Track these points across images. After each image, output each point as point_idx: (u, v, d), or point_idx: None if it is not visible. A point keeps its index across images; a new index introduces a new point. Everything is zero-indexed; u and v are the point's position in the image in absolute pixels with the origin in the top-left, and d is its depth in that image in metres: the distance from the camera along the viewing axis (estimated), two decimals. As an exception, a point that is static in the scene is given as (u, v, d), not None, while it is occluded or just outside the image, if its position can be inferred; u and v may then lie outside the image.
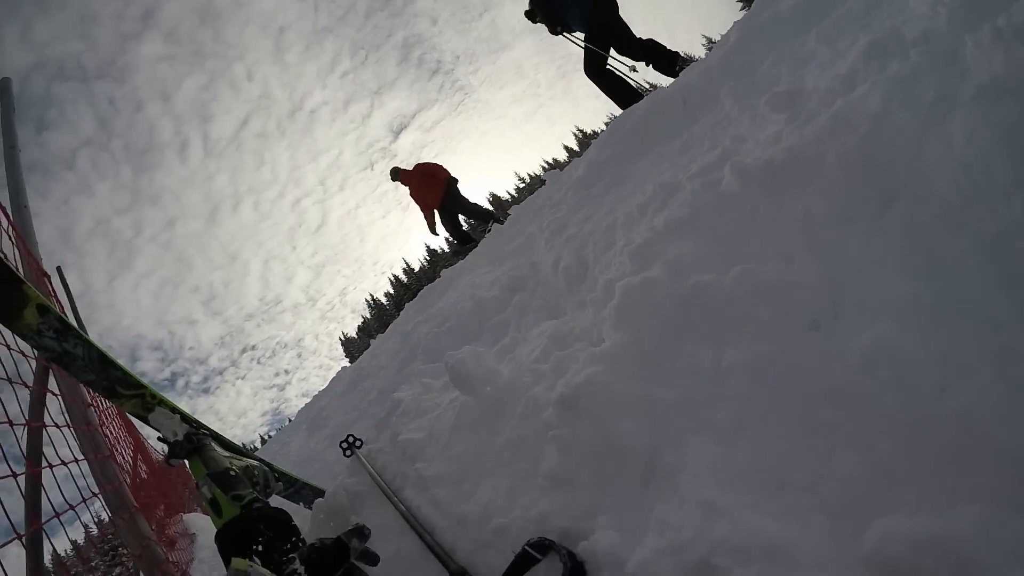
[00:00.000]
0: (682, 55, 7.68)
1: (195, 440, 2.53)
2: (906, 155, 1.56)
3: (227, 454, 2.54)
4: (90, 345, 2.56)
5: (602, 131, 6.58)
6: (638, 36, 7.89)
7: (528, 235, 5.15)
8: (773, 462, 1.36)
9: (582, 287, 3.07)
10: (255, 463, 2.66)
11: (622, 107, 7.70)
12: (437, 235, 13.06)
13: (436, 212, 12.51)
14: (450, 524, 2.14)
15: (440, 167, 12.50)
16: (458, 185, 12.47)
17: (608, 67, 8.16)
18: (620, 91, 8.07)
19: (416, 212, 12.69)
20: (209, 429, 2.81)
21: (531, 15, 8.84)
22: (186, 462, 2.53)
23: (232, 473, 2.30)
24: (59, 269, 4.02)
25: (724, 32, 5.65)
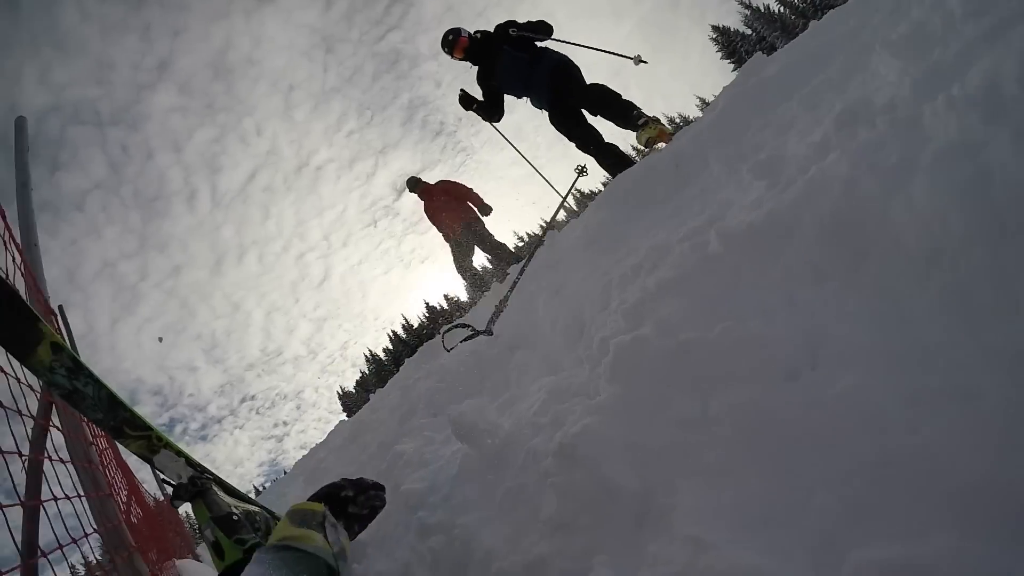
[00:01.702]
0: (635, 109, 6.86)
1: (199, 483, 2.58)
2: (874, 216, 1.70)
3: (230, 499, 2.61)
4: (100, 385, 2.57)
5: (599, 192, 6.68)
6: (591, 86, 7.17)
7: (528, 293, 5.25)
8: (757, 501, 1.47)
9: (579, 344, 3.16)
10: (256, 509, 2.69)
11: (616, 174, 6.78)
12: (465, 273, 11.07)
13: (451, 245, 10.62)
14: (452, 570, 2.22)
15: (470, 192, 10.77)
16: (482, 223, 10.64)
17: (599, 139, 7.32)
18: (617, 160, 7.22)
19: (426, 238, 11.54)
20: (212, 473, 2.80)
21: (466, 101, 7.93)
22: (188, 505, 2.57)
23: (235, 518, 2.36)
24: (60, 308, 4.08)
25: (716, 94, 5.79)
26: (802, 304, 1.79)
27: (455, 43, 7.73)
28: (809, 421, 1.51)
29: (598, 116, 7.17)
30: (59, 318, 4.51)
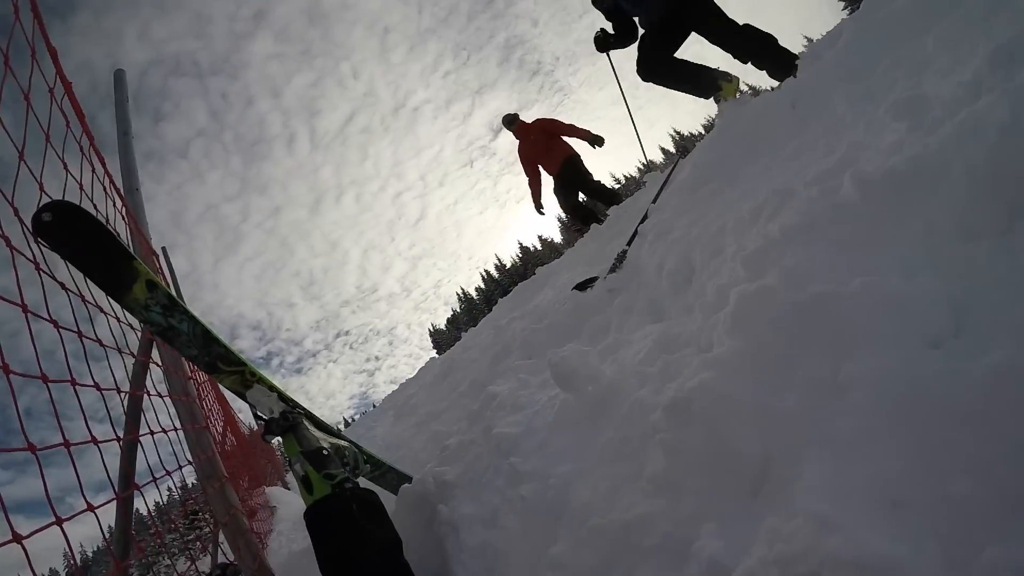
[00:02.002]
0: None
1: (290, 418, 2.64)
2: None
3: (320, 434, 2.66)
4: (195, 321, 2.64)
5: (701, 134, 6.36)
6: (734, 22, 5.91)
7: (626, 236, 5.09)
8: (890, 480, 1.31)
9: (688, 291, 3.02)
10: (346, 444, 2.72)
11: (705, 94, 6.35)
12: (543, 213, 10.92)
13: (554, 181, 10.29)
14: (544, 520, 2.13)
15: (572, 126, 10.15)
16: (580, 161, 10.22)
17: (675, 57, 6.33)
18: (698, 77, 6.23)
19: (517, 177, 11.18)
20: (304, 409, 2.92)
21: (603, 43, 7.33)
22: (279, 439, 2.67)
23: (324, 452, 2.41)
24: (164, 249, 4.22)
25: (827, 31, 5.40)
26: (948, 263, 1.60)
27: None
28: (952, 395, 1.33)
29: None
30: (162, 259, 4.66)
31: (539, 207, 10.85)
